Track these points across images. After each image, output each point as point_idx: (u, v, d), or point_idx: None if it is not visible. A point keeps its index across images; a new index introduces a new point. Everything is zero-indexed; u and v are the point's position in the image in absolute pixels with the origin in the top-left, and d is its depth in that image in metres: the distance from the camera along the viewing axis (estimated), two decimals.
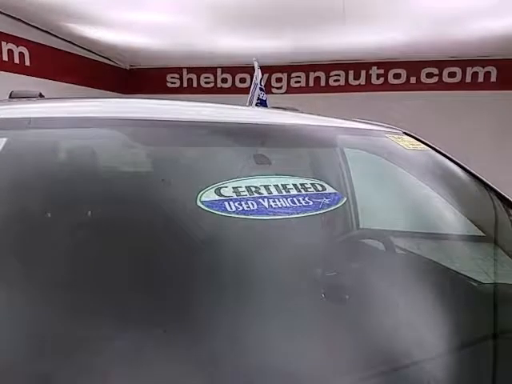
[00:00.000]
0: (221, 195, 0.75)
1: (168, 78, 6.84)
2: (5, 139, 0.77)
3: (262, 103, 2.87)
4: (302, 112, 1.52)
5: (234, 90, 6.55)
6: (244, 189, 0.77)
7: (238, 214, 0.72)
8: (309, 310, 0.75)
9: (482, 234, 1.15)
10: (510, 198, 1.17)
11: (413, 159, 1.24)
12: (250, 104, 2.94)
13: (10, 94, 1.22)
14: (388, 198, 1.27)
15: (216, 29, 4.88)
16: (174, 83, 6.86)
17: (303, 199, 0.78)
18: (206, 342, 0.61)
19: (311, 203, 0.78)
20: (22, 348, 0.57)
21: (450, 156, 1.34)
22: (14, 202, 0.74)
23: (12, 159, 0.78)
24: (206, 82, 6.74)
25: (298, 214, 0.77)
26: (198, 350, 0.59)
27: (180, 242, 0.76)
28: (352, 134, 1.25)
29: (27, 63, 5.04)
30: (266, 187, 0.79)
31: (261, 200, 0.76)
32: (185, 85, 6.83)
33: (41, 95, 1.18)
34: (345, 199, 0.92)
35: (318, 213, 0.79)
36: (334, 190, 0.85)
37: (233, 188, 0.77)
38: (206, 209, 0.72)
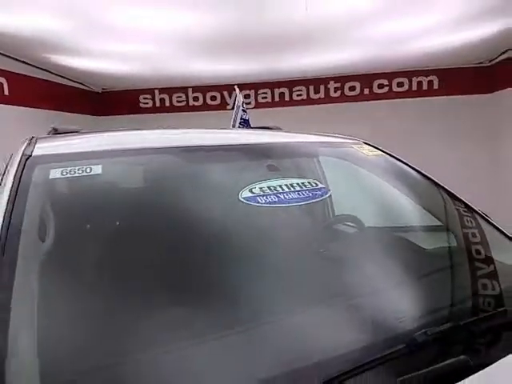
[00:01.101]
0: (253, 193, 1.17)
1: (141, 98, 7.16)
2: (100, 165, 1.15)
3: (246, 122, 3.32)
4: (284, 130, 1.98)
5: (205, 107, 6.97)
6: (266, 188, 1.20)
7: (265, 204, 1.15)
8: (308, 260, 1.19)
9: (432, 219, 1.61)
10: (453, 192, 1.63)
11: (372, 162, 1.71)
12: (234, 123, 3.39)
13: (54, 130, 1.58)
14: (355, 192, 1.73)
15: (186, 55, 5.29)
16: (147, 103, 7.19)
17: (304, 192, 1.23)
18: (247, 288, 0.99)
19: (310, 195, 1.23)
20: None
21: (400, 158, 1.83)
22: (112, 209, 1.13)
23: (108, 178, 1.17)
24: (178, 101, 7.12)
25: (302, 202, 1.21)
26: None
27: (230, 223, 1.18)
28: (326, 146, 1.71)
29: (6, 93, 5.23)
30: (280, 186, 1.22)
31: (278, 195, 1.19)
32: (157, 104, 7.18)
33: (76, 131, 1.54)
34: (330, 192, 1.37)
35: (314, 200, 1.24)
36: (322, 186, 1.30)
37: (259, 188, 1.19)
38: (246, 202, 1.14)
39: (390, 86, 6.69)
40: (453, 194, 1.60)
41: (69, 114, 6.34)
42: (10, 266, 0.82)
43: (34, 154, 1.14)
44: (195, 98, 7.12)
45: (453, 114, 6.45)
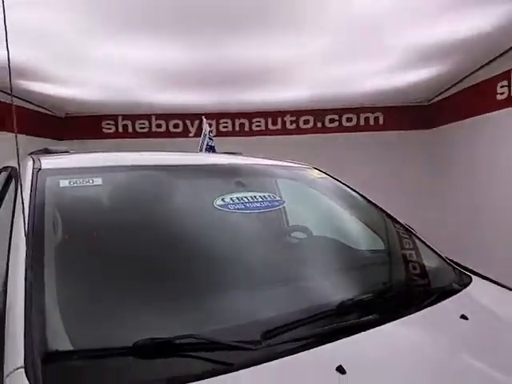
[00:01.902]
0: (224, 201, 1.48)
1: (103, 124, 7.32)
2: (100, 178, 1.42)
3: (211, 148, 3.65)
4: (246, 155, 2.32)
5: (167, 134, 7.24)
6: (235, 198, 1.51)
7: (234, 210, 1.46)
8: (265, 250, 1.52)
9: (365, 228, 1.99)
10: (383, 208, 2.02)
11: (319, 183, 2.08)
12: (201, 149, 3.70)
13: (46, 150, 1.82)
14: (306, 207, 2.08)
15: (151, 85, 5.58)
16: (110, 129, 7.36)
17: (265, 202, 1.55)
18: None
19: (269, 204, 1.56)
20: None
21: (341, 180, 2.21)
22: (113, 211, 1.40)
23: (107, 188, 1.44)
24: (140, 128, 7.34)
25: (263, 209, 1.53)
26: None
27: (208, 223, 1.47)
28: (282, 169, 2.07)
29: None
30: (245, 197, 1.53)
31: (245, 203, 1.50)
32: (120, 130, 7.35)
33: (67, 151, 1.80)
34: (285, 203, 1.70)
35: (273, 209, 1.58)
36: (279, 198, 1.64)
37: (230, 198, 1.50)
38: (219, 208, 1.45)
39: (340, 120, 7.32)
40: (383, 209, 1.99)
41: (33, 137, 6.38)
42: (39, 249, 1.07)
43: (42, 167, 1.40)
44: (158, 125, 7.38)
45: (396, 147, 7.16)
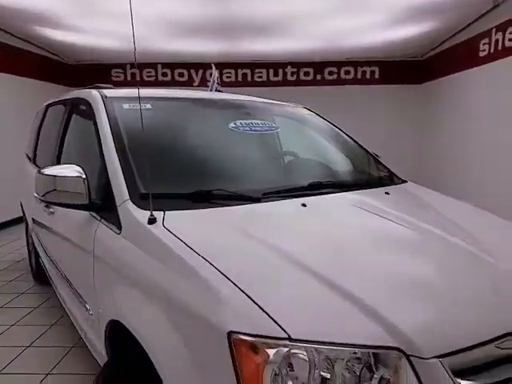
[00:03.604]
0: (236, 125, 2.03)
1: (112, 72, 7.68)
2: (149, 104, 1.96)
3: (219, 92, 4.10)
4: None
5: (173, 83, 7.63)
6: (243, 123, 2.06)
7: (244, 131, 2.02)
8: (270, 155, 2.13)
9: (341, 154, 2.57)
10: (358, 141, 2.59)
11: (307, 119, 2.62)
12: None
13: (95, 86, 2.33)
14: (297, 136, 2.64)
15: (159, 35, 5.92)
16: (119, 77, 7.73)
17: (265, 127, 2.11)
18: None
19: (268, 128, 2.12)
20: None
21: (326, 118, 2.75)
22: (158, 129, 1.96)
23: (155, 112, 1.98)
24: (148, 76, 7.71)
25: (263, 131, 2.10)
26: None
27: (223, 136, 2.04)
28: (278, 106, 2.61)
29: None
30: (251, 122, 2.08)
31: (251, 126, 2.06)
32: (128, 78, 7.73)
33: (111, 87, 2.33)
34: (279, 129, 2.27)
35: (270, 132, 2.15)
36: (274, 125, 2.20)
37: (240, 122, 2.05)
38: (232, 129, 2.00)
39: (338, 73, 7.69)
40: (356, 141, 2.55)
41: (44, 82, 6.78)
42: (121, 145, 1.65)
43: (108, 95, 1.94)
44: (164, 74, 7.75)
45: (390, 99, 7.60)
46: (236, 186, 1.65)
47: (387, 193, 1.93)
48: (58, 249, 2.24)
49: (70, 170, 1.58)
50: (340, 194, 1.82)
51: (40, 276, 3.40)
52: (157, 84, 7.67)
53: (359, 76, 7.74)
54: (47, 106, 3.23)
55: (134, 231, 1.41)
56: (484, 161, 5.26)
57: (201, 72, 7.65)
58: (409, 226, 1.49)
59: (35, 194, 1.65)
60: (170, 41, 6.25)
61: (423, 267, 1.25)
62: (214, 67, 3.85)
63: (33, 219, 3.05)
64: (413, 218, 1.60)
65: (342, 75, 7.71)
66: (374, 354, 0.93)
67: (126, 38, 6.09)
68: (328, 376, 0.92)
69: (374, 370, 0.93)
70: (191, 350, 1.04)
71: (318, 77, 7.69)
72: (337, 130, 2.61)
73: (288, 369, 0.92)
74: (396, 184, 2.21)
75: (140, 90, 1.74)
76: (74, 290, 1.98)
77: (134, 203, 1.46)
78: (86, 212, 1.70)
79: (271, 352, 0.92)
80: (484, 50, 5.22)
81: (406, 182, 2.29)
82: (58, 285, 2.45)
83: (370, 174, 2.31)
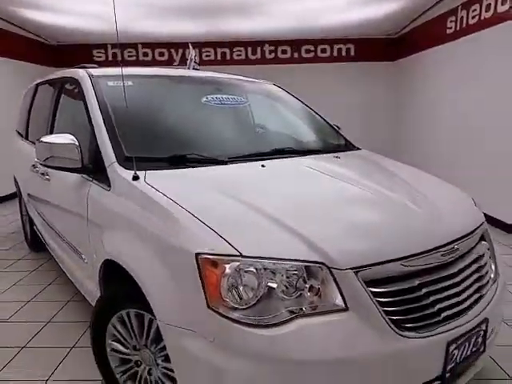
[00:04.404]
0: (208, 99, 2.32)
1: (94, 52, 7.77)
2: (131, 81, 2.22)
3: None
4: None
5: (154, 62, 7.75)
6: (215, 97, 2.35)
7: (214, 104, 2.31)
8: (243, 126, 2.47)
9: (305, 126, 2.88)
10: (323, 117, 2.89)
11: (277, 95, 2.92)
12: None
13: (82, 66, 2.58)
14: (265, 109, 2.93)
15: (139, 15, 6.04)
16: (100, 57, 7.82)
17: (235, 101, 2.41)
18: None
19: (238, 102, 2.42)
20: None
21: (295, 95, 3.04)
22: (141, 100, 2.23)
23: (136, 88, 2.24)
24: (129, 56, 7.83)
25: (233, 105, 2.39)
26: None
27: (197, 108, 2.32)
28: (250, 82, 2.89)
29: None
30: (222, 97, 2.37)
31: (221, 100, 2.35)
32: (110, 59, 7.83)
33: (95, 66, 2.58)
34: (249, 103, 2.57)
35: (241, 105, 2.46)
36: (245, 100, 2.50)
37: (211, 97, 2.34)
38: (204, 102, 2.29)
39: (315, 51, 7.92)
40: (321, 115, 2.87)
41: (26, 63, 6.86)
42: (108, 116, 1.94)
43: (94, 74, 2.21)
44: (145, 54, 7.87)
45: (365, 76, 7.89)
46: (206, 151, 1.94)
47: (338, 157, 2.26)
48: (55, 211, 2.52)
49: (64, 138, 1.87)
50: (297, 158, 2.14)
51: (35, 244, 3.69)
52: (138, 64, 7.79)
53: (335, 54, 7.98)
54: (37, 85, 3.44)
55: (121, 187, 1.71)
56: (455, 132, 5.64)
57: (181, 51, 7.80)
58: (349, 180, 1.82)
59: (36, 160, 1.94)
60: (150, 21, 6.37)
61: (352, 209, 1.58)
62: (191, 46, 4.08)
63: (28, 194, 3.32)
64: (355, 175, 1.95)
65: (319, 53, 7.94)
66: (306, 268, 1.26)
67: (106, 18, 6.22)
68: (274, 285, 1.24)
69: (306, 280, 1.27)
70: (169, 270, 1.36)
71: (296, 55, 7.91)
72: (302, 104, 2.92)
73: (240, 278, 1.24)
74: (350, 151, 2.55)
75: (123, 69, 2.01)
76: (70, 245, 2.29)
77: (120, 165, 1.76)
78: (78, 175, 1.99)
79: (227, 266, 1.24)
80: (451, 28, 5.52)
81: (360, 149, 2.62)
82: (54, 246, 2.75)
83: (326, 142, 2.63)
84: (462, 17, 5.35)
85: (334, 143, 2.63)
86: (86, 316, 2.55)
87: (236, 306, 1.22)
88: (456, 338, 1.36)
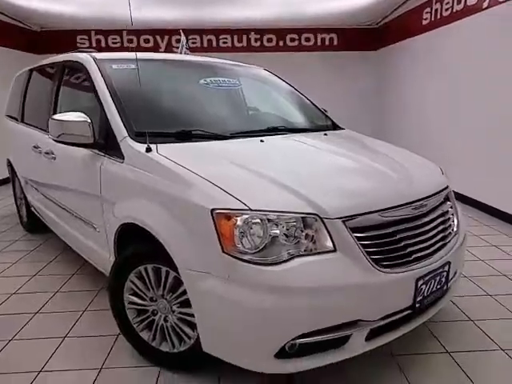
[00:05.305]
0: (206, 81, 2.49)
1: (78, 39, 7.74)
2: (133, 64, 2.37)
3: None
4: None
5: (139, 49, 7.78)
6: (213, 80, 2.52)
7: (212, 87, 2.49)
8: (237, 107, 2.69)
9: (293, 110, 3.07)
10: (312, 101, 3.09)
11: (267, 79, 3.10)
12: None
13: (79, 50, 2.70)
14: (259, 92, 3.12)
15: (124, 2, 6.07)
16: (84, 44, 7.79)
17: (230, 84, 2.59)
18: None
19: (232, 85, 2.61)
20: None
21: (284, 79, 3.23)
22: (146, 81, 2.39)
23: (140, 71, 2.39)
24: (113, 43, 7.83)
25: (228, 87, 2.58)
26: None
27: (196, 90, 2.49)
28: (242, 67, 3.06)
29: None
30: (218, 80, 2.55)
31: (219, 83, 2.52)
32: (94, 45, 7.81)
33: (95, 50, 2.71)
34: (242, 86, 2.75)
35: (235, 88, 2.64)
36: (238, 83, 2.68)
37: (208, 80, 2.51)
38: (202, 84, 2.46)
39: (299, 40, 8.10)
40: (309, 99, 3.07)
41: (8, 49, 6.80)
42: (115, 95, 2.09)
43: (97, 58, 2.34)
44: (129, 40, 7.88)
45: (347, 65, 8.13)
46: (210, 128, 2.13)
47: (325, 134, 2.50)
48: (62, 188, 2.66)
49: (76, 116, 2.02)
50: (289, 135, 2.37)
51: (31, 226, 3.80)
52: (122, 50, 7.82)
53: (319, 43, 8.18)
54: (31, 70, 3.53)
55: (134, 158, 1.88)
56: (437, 119, 5.94)
57: (166, 38, 7.85)
58: (337, 152, 2.08)
59: (50, 136, 2.08)
60: (135, 7, 6.41)
61: (341, 174, 1.85)
62: (182, 33, 4.22)
63: (26, 175, 3.43)
64: (342, 148, 2.21)
65: (303, 42, 8.12)
66: (302, 219, 1.49)
67: (88, 4, 6.24)
68: (277, 233, 1.46)
69: (303, 229, 1.49)
70: (187, 226, 1.56)
71: (281, 43, 8.07)
72: (292, 88, 3.12)
73: (249, 228, 1.46)
74: (337, 130, 2.78)
75: (125, 53, 2.16)
76: (80, 217, 2.43)
77: (131, 139, 1.93)
78: (88, 151, 2.14)
79: (238, 218, 1.45)
80: (426, 19, 5.78)
81: (344, 129, 2.86)
82: (59, 223, 2.87)
83: (315, 123, 2.85)
84: (437, 9, 5.62)
85: (322, 124, 2.85)
86: (91, 285, 2.71)
87: (246, 251, 1.45)
88: (424, 275, 1.65)
